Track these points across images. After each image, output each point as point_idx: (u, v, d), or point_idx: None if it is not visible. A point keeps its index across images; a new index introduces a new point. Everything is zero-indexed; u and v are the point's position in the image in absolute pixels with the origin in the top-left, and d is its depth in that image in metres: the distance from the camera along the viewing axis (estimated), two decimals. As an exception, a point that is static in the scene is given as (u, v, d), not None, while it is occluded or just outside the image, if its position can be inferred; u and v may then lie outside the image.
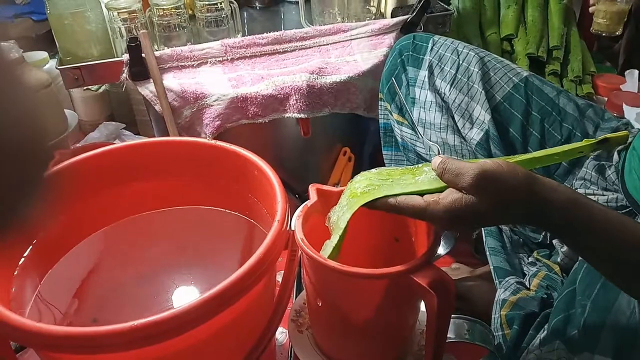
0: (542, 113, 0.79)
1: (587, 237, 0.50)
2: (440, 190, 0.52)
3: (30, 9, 2.05)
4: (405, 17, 1.12)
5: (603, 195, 0.72)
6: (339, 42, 1.13)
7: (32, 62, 1.26)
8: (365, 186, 0.57)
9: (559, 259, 0.75)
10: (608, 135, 0.55)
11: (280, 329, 0.87)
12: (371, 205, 0.55)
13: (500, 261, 0.78)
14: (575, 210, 0.49)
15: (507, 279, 0.75)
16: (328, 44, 1.12)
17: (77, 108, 1.54)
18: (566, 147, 0.57)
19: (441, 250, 1.02)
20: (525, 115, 0.80)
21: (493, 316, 0.71)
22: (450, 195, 0.50)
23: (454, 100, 0.85)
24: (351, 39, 1.12)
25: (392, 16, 1.15)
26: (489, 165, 0.49)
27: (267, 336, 0.63)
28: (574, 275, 0.63)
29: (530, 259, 0.79)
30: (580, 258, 0.64)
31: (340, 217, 0.58)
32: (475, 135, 0.82)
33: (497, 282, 0.75)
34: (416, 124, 0.91)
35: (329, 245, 0.59)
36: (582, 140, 0.58)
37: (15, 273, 0.64)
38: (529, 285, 0.73)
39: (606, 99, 1.35)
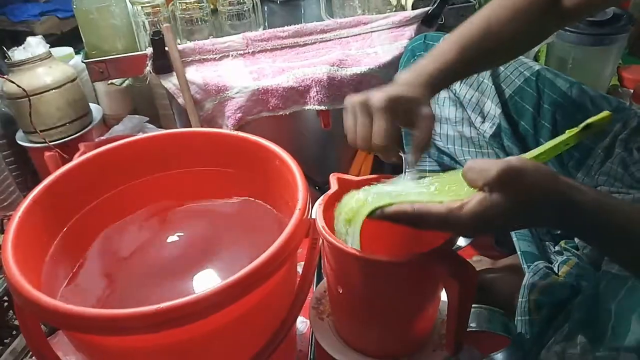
0: (553, 105, 0.79)
1: (609, 239, 0.49)
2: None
3: (55, 6, 2.10)
4: (426, 9, 1.12)
5: (628, 193, 0.71)
6: (360, 34, 1.12)
7: (58, 57, 1.29)
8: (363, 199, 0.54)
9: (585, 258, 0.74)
10: (590, 120, 0.53)
11: (300, 319, 0.87)
12: (380, 215, 0.52)
13: (528, 245, 0.77)
14: (600, 211, 0.48)
15: (535, 263, 0.74)
16: (348, 37, 1.12)
17: (101, 102, 1.58)
18: (550, 144, 0.54)
19: (462, 241, 1.01)
20: (536, 108, 0.80)
21: (520, 299, 0.70)
22: (475, 198, 0.47)
23: (464, 96, 0.86)
24: (372, 32, 1.12)
25: (413, 8, 1.15)
26: (515, 160, 0.48)
27: (287, 323, 0.63)
28: (596, 281, 0.63)
29: (557, 248, 0.78)
30: (603, 268, 0.63)
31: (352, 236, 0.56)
32: (487, 128, 0.84)
33: (526, 266, 0.74)
34: None
35: None
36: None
37: (46, 259, 0.66)
38: (558, 271, 0.73)
39: (632, 90, 1.33)
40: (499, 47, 0.67)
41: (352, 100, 0.62)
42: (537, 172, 0.47)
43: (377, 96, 0.60)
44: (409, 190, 0.53)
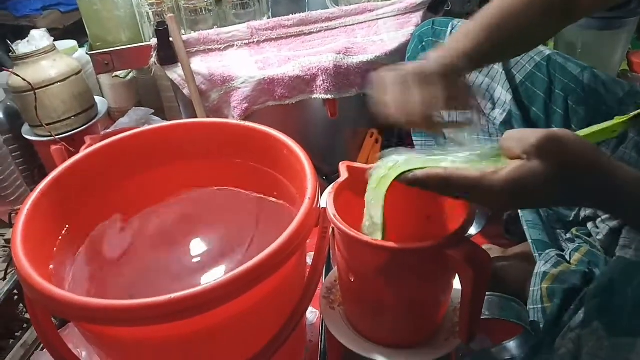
0: (565, 90, 0.77)
1: None
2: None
3: (57, 0, 2.09)
4: (433, -5, 1.11)
5: None
6: (365, 22, 1.12)
7: (63, 50, 1.28)
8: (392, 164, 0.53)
9: (597, 245, 0.74)
10: None
11: (310, 309, 0.87)
12: (409, 179, 0.49)
13: (539, 234, 0.77)
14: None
15: (547, 251, 0.73)
16: (354, 24, 1.11)
17: (105, 95, 1.57)
18: (595, 127, 0.51)
19: (472, 230, 1.00)
20: (548, 94, 0.79)
21: (532, 289, 0.69)
22: (512, 164, 0.44)
23: (474, 82, 0.85)
24: (377, 19, 1.11)
25: (419, -6, 1.13)
26: (557, 130, 0.45)
27: (298, 313, 0.63)
28: (609, 267, 0.62)
29: (569, 236, 0.78)
30: (617, 254, 0.62)
31: (372, 206, 0.56)
32: (498, 115, 0.83)
33: (537, 255, 0.74)
34: None
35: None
36: (612, 118, 0.53)
37: (54, 251, 0.65)
38: (569, 259, 0.72)
39: (642, 75, 1.31)
40: (513, 38, 0.65)
41: (384, 74, 0.60)
42: (581, 144, 0.45)
43: (414, 68, 0.58)
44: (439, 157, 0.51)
